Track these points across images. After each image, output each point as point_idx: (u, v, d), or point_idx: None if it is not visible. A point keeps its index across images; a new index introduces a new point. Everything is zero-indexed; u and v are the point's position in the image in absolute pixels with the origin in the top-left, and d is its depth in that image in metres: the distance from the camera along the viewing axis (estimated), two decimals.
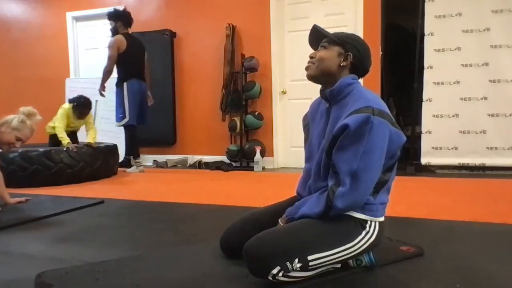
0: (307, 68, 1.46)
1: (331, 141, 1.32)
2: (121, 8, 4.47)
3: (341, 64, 1.40)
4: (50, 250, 1.78)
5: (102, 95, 4.34)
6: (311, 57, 1.45)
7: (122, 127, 4.37)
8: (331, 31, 1.47)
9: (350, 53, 1.39)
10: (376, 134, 1.24)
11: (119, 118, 4.27)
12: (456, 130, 4.08)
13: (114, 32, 4.27)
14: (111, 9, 4.44)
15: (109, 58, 4.15)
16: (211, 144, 5.07)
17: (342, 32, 1.46)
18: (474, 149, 4.02)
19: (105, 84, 4.34)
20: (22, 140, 2.49)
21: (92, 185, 3.68)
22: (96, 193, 3.22)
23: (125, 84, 4.18)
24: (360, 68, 1.42)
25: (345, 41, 1.41)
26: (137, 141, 4.45)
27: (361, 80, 1.49)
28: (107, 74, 4.21)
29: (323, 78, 1.43)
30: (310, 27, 1.49)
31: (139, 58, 4.37)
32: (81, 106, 4.03)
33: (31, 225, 2.24)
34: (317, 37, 1.48)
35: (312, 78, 1.45)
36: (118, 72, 4.25)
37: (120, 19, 4.26)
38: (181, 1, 5.14)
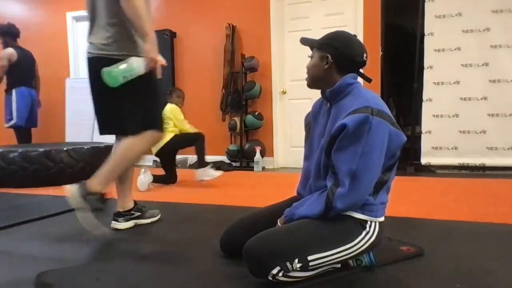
0: (306, 79, 1.50)
1: (329, 141, 1.32)
2: (5, 23, 4.81)
3: (325, 67, 1.40)
4: (50, 250, 1.78)
5: None
6: (307, 68, 1.49)
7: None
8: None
9: (327, 55, 1.39)
10: (375, 134, 1.24)
11: (7, 120, 4.71)
12: (456, 130, 4.08)
13: (5, 45, 4.70)
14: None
15: (0, 67, 4.58)
16: (211, 144, 5.05)
17: (327, 34, 1.45)
18: (474, 149, 4.02)
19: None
20: None
21: None
22: None
23: (13, 90, 4.62)
24: (346, 63, 1.39)
25: (323, 44, 1.41)
26: (28, 142, 4.88)
27: (362, 71, 1.47)
28: None
29: (318, 84, 1.45)
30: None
31: (28, 68, 4.81)
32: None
33: (31, 225, 2.24)
34: (310, 47, 1.50)
35: (310, 87, 1.50)
36: (8, 80, 4.65)
37: (7, 34, 4.70)
38: (181, 1, 5.14)
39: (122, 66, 1.73)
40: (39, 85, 5.03)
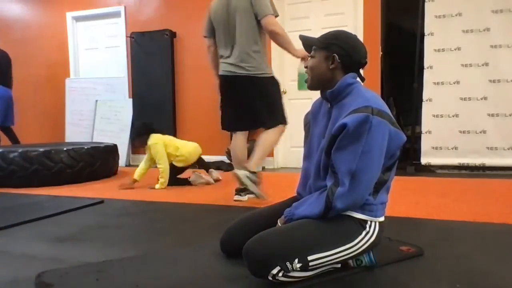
0: (306, 80, 1.48)
1: (330, 141, 1.31)
2: None
3: (330, 67, 1.39)
4: (50, 250, 1.78)
5: None
6: (305, 67, 1.47)
7: None
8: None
9: (334, 54, 1.38)
10: (375, 134, 1.24)
11: None
12: (456, 130, 4.08)
13: None
14: None
15: None
16: (211, 144, 5.06)
17: (327, 33, 1.44)
18: (474, 149, 4.02)
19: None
20: None
21: (92, 185, 3.68)
22: (96, 193, 3.22)
23: None
24: (350, 63, 1.39)
25: (328, 43, 1.40)
26: (17, 141, 4.89)
27: (362, 73, 1.47)
28: None
29: (321, 84, 1.44)
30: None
31: (5, 68, 4.86)
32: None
33: (31, 225, 2.24)
34: (307, 45, 1.50)
35: (312, 88, 1.48)
36: None
37: None
38: (181, 1, 5.14)
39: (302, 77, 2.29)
40: (11, 84, 5.03)
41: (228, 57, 2.64)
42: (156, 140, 3.47)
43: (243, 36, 2.58)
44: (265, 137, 2.65)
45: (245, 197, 2.75)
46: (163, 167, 3.43)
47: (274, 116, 2.68)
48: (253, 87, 2.62)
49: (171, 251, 1.71)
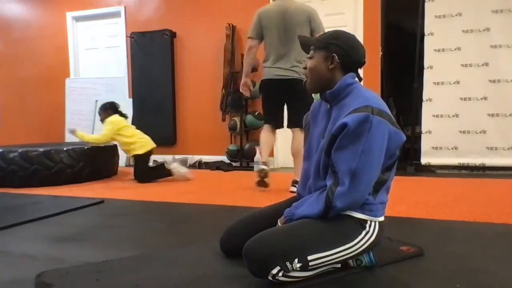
0: (305, 83, 1.48)
1: (330, 141, 1.32)
2: None
3: (330, 67, 1.39)
4: (50, 250, 1.78)
5: None
6: (304, 68, 1.47)
7: None
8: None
9: (334, 54, 1.38)
10: (375, 134, 1.24)
11: None
12: (456, 130, 4.08)
13: None
14: None
15: None
16: (211, 144, 5.07)
17: (326, 33, 1.45)
18: (474, 149, 4.02)
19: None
20: None
21: (92, 185, 3.68)
22: (96, 193, 3.22)
23: None
24: (350, 63, 1.39)
25: (327, 43, 1.40)
26: None
27: (360, 73, 1.47)
28: None
29: (321, 85, 1.44)
30: None
31: None
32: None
33: (31, 225, 2.24)
34: (306, 45, 1.50)
35: (312, 90, 1.48)
36: None
37: None
38: (181, 1, 5.15)
39: None
40: None
41: (280, 62, 2.99)
42: (115, 118, 3.82)
43: (299, 46, 2.89)
44: (300, 146, 2.94)
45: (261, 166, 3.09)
46: (102, 135, 3.80)
47: (301, 117, 3.00)
48: (302, 89, 2.95)
49: (171, 251, 1.70)
